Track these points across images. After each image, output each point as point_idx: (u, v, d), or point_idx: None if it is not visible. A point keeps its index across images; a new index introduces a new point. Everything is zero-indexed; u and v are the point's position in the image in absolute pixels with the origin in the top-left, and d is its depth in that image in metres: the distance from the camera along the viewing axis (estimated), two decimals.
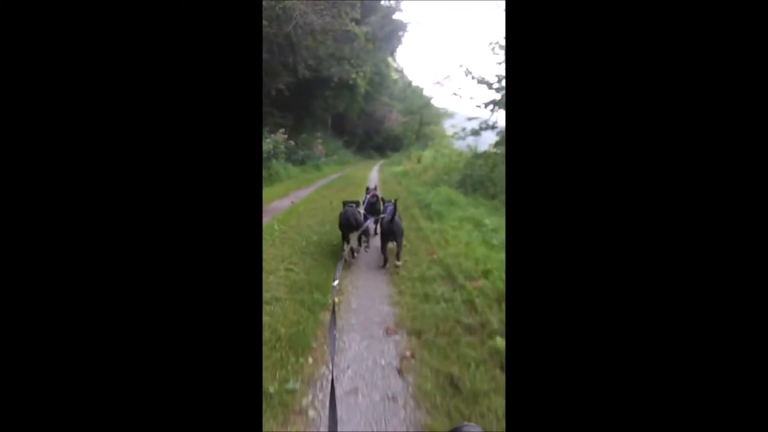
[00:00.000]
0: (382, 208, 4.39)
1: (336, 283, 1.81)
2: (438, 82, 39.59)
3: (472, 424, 0.87)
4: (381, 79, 33.25)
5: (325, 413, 1.61)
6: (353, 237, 3.68)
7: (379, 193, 4.90)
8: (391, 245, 3.56)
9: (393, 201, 3.73)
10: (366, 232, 3.90)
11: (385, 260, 3.57)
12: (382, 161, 32.27)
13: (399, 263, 3.52)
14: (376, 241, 4.29)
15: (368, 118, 35.25)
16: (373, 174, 15.69)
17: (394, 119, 37.22)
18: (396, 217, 3.44)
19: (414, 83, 45.14)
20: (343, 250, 3.53)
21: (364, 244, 4.04)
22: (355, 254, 3.91)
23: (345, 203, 3.83)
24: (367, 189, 4.99)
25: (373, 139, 39.30)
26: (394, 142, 42.24)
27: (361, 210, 4.07)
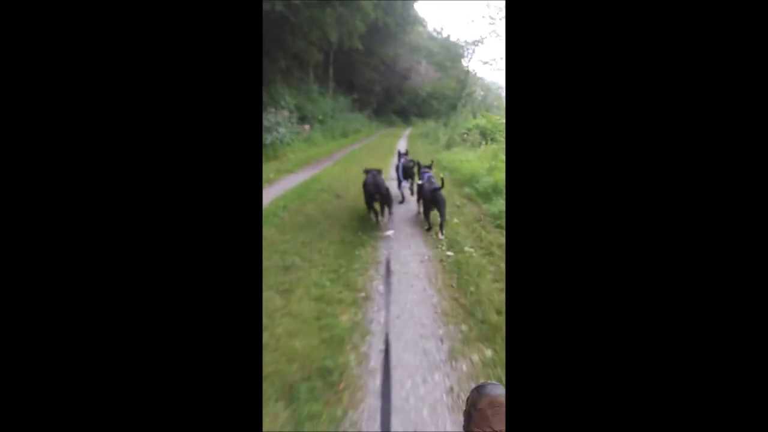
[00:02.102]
0: (417, 172, 4.17)
1: (390, 232, 2.37)
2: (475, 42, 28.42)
3: (496, 382, 0.85)
4: (405, 12, 23.49)
5: None
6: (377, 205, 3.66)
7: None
8: (434, 213, 3.54)
9: (430, 164, 3.89)
10: (389, 202, 3.63)
11: (430, 226, 3.56)
12: (408, 130, 23.13)
13: (442, 237, 3.40)
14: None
15: (388, 70, 25.60)
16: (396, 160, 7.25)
17: (424, 74, 27.15)
18: (436, 184, 3.40)
19: (445, 34, 33.87)
20: (373, 219, 3.66)
21: (387, 214, 3.73)
22: (380, 220, 3.73)
23: (367, 170, 3.74)
24: (399, 154, 4.83)
25: (394, 100, 29.38)
26: (422, 106, 32.41)
27: (393, 175, 4.36)
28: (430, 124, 21.54)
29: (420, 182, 3.79)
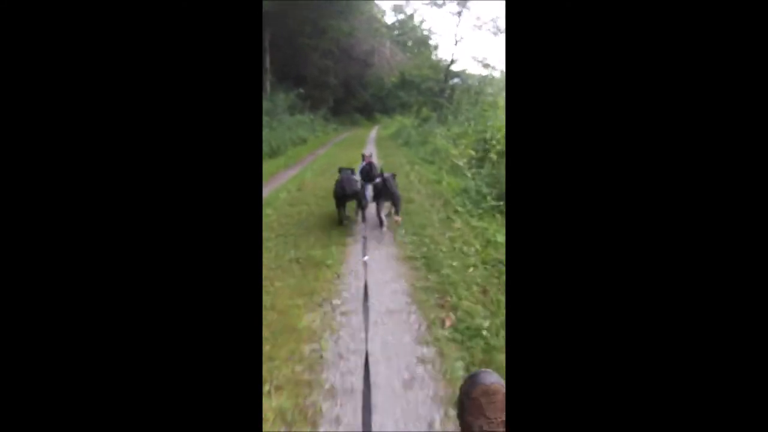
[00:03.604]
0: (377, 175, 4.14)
1: (366, 258, 1.96)
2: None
3: (490, 370, 0.85)
4: None
5: None
6: (349, 206, 3.61)
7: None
8: (388, 204, 3.48)
9: (392, 174, 3.63)
10: (360, 203, 3.62)
11: (381, 222, 3.46)
12: (373, 131, 17.89)
13: (398, 218, 3.44)
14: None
15: (344, 55, 20.08)
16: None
17: (390, 58, 21.68)
18: (389, 182, 3.35)
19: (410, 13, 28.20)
20: (341, 219, 3.61)
21: (359, 217, 3.67)
22: (350, 222, 3.66)
23: (341, 169, 3.71)
24: (363, 156, 4.49)
25: (355, 94, 23.96)
26: (388, 100, 27.02)
27: (357, 177, 3.86)
28: (404, 120, 16.27)
29: (377, 182, 3.57)
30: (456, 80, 12.93)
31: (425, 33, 24.26)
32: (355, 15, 18.14)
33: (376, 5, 22.15)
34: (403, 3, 26.97)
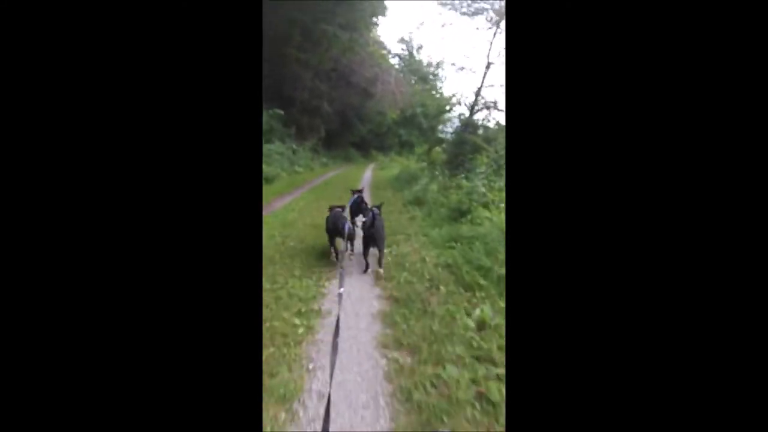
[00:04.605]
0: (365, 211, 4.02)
1: (341, 290, 1.89)
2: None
3: (447, 431, 0.85)
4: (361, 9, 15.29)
5: None
6: (339, 241, 3.49)
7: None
8: (374, 250, 3.26)
9: (377, 205, 3.69)
10: (351, 238, 3.52)
11: (367, 265, 3.29)
12: (368, 171, 14.71)
13: (381, 270, 3.23)
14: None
15: (341, 79, 17.16)
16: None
17: (394, 88, 18.78)
18: (377, 222, 3.17)
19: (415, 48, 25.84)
20: (331, 254, 3.56)
21: (348, 251, 3.58)
22: (340, 257, 3.51)
23: (331, 207, 3.71)
24: (352, 191, 4.57)
25: (351, 127, 20.83)
26: (385, 137, 24.11)
27: (347, 214, 3.80)
28: (408, 162, 13.15)
29: (364, 220, 3.50)
30: (485, 112, 9.81)
31: (436, 63, 21.65)
32: (360, 31, 15.22)
33: (380, 39, 19.51)
34: (409, 38, 24.68)
